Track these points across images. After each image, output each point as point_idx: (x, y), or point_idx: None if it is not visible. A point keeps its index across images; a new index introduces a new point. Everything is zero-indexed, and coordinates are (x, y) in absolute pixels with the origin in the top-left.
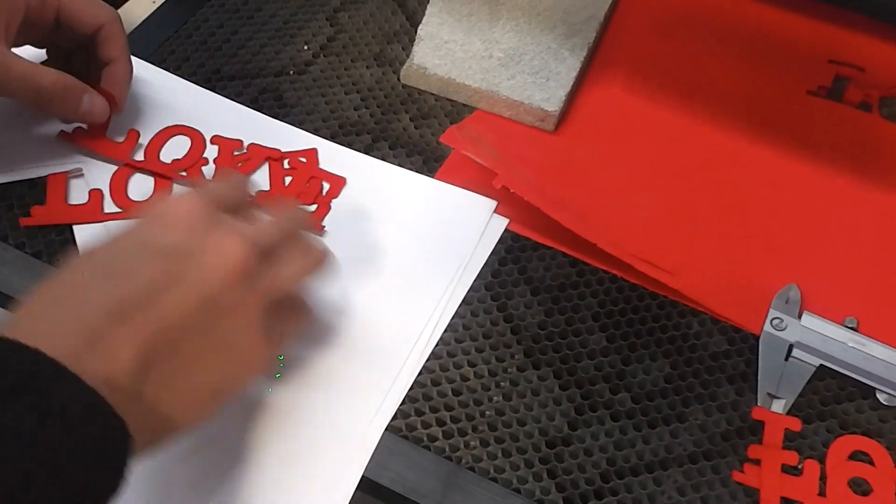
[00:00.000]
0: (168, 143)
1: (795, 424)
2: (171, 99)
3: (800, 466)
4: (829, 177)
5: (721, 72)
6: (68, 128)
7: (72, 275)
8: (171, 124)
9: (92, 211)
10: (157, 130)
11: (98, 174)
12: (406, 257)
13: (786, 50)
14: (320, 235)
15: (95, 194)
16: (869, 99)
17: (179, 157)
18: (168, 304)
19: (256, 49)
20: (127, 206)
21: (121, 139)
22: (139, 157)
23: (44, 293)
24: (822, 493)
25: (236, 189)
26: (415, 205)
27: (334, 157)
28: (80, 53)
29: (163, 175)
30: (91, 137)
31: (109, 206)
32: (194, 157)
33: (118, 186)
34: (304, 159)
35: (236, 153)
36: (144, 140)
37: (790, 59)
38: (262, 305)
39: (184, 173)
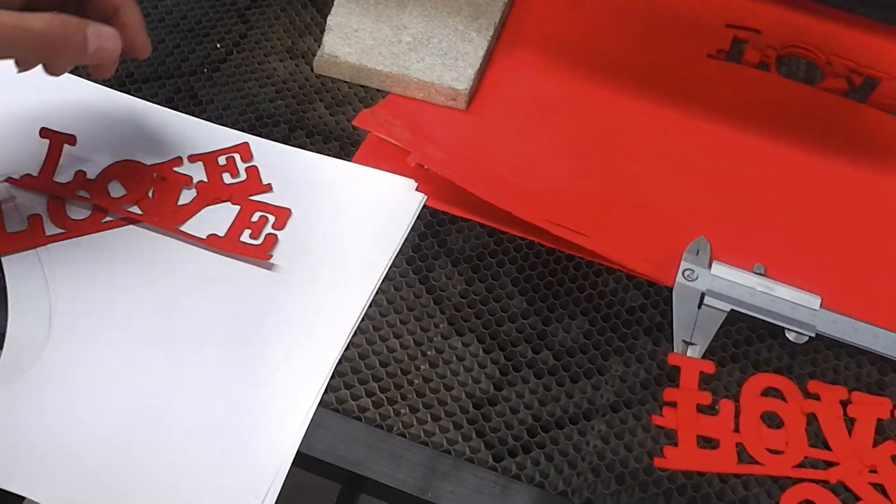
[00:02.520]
0: (112, 181)
1: (709, 367)
2: (92, 110)
3: (716, 407)
4: (732, 133)
5: (624, 42)
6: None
7: None
8: (112, 156)
9: (34, 235)
10: (102, 166)
11: (35, 199)
12: (332, 241)
13: (685, 17)
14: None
15: (35, 220)
16: (766, 59)
17: (123, 193)
18: None
19: (170, 50)
20: (69, 226)
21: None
22: (84, 193)
23: None
24: (736, 430)
25: None
26: (338, 190)
27: (260, 150)
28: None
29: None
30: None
31: (50, 229)
32: (140, 193)
33: (56, 208)
34: (237, 154)
35: (176, 169)
36: (91, 173)
37: (690, 25)
38: None
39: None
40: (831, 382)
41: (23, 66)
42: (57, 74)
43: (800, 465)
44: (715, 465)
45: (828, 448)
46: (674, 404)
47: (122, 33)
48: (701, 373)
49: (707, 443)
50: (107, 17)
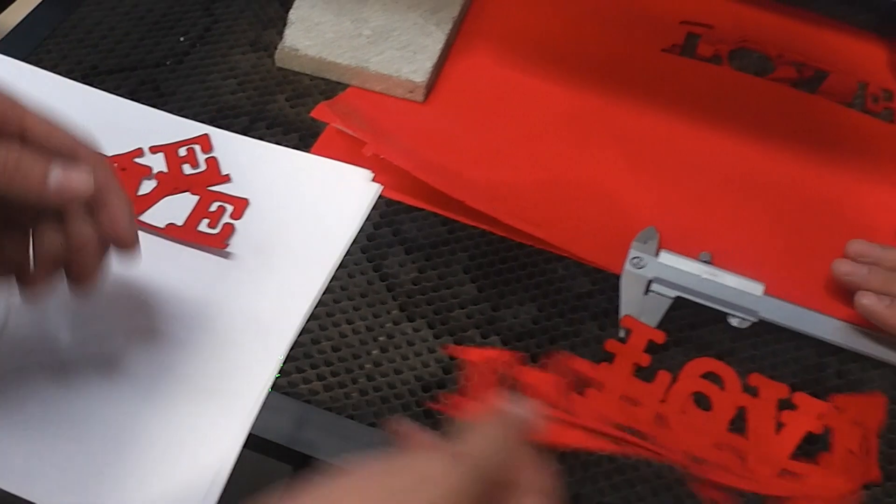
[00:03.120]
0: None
1: (660, 337)
2: (50, 100)
3: (653, 375)
4: (684, 126)
5: (580, 37)
6: None
7: None
8: None
9: None
10: None
11: None
12: (288, 230)
13: (640, 13)
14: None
15: None
16: (719, 52)
17: None
18: None
19: (135, 43)
20: None
21: None
22: None
23: None
24: (663, 400)
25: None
26: (295, 180)
27: (220, 141)
28: None
29: None
30: None
31: None
32: None
33: None
34: (198, 146)
35: (136, 160)
36: None
37: (645, 21)
38: None
39: None
40: (771, 366)
41: None
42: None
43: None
44: (627, 419)
45: (744, 436)
46: (611, 358)
47: (106, 220)
48: (650, 341)
49: (629, 402)
50: (91, 202)
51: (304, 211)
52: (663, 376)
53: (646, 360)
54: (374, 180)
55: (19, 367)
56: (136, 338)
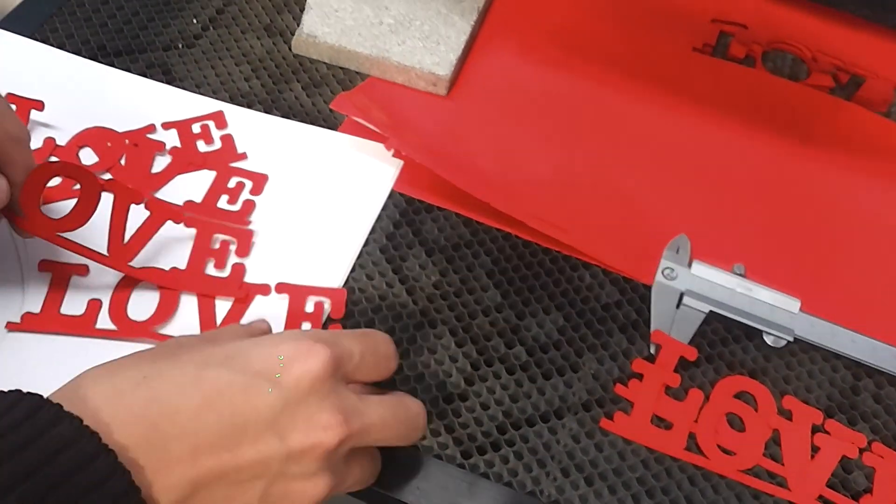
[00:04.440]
0: (83, 148)
1: (692, 353)
2: (60, 77)
3: (684, 393)
4: (716, 129)
5: (609, 33)
6: None
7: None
8: (82, 123)
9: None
10: (72, 133)
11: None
12: (312, 208)
13: (671, 10)
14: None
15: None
16: (752, 54)
17: (95, 161)
18: (247, 458)
19: (143, 23)
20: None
21: (34, 144)
22: (54, 160)
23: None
24: (696, 420)
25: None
26: (315, 156)
27: (235, 118)
28: None
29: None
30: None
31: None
32: (111, 160)
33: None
34: (212, 122)
35: (149, 136)
36: (61, 139)
37: (676, 19)
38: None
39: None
40: (806, 388)
41: None
42: None
43: (748, 472)
44: (660, 444)
45: (781, 464)
46: (640, 377)
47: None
48: (681, 358)
49: (661, 422)
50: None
51: (327, 187)
52: (695, 395)
53: (676, 379)
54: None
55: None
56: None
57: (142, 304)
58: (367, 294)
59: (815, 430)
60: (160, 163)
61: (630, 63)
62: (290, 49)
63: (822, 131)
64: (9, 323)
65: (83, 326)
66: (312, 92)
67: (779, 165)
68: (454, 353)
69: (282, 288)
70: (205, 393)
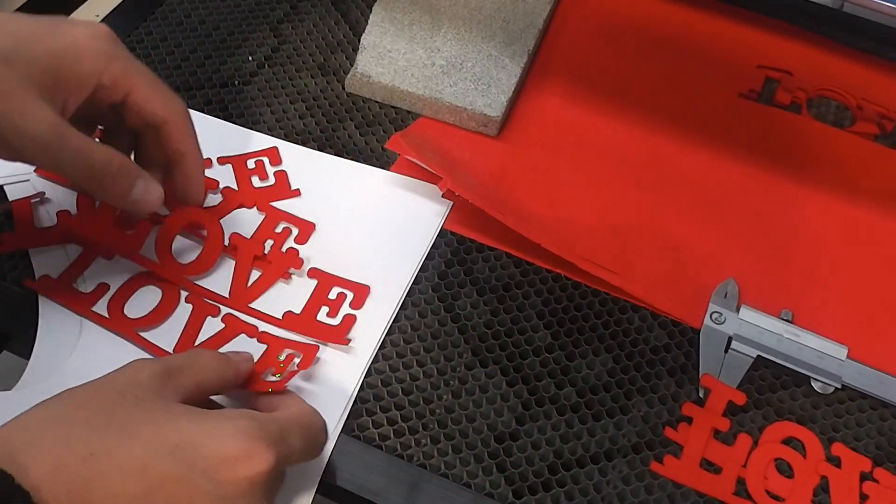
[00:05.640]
0: None
1: (740, 398)
2: None
3: (733, 438)
4: (762, 175)
5: (656, 77)
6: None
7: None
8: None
9: (62, 231)
10: None
11: (63, 197)
12: (357, 251)
13: (717, 56)
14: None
15: (63, 215)
16: (798, 100)
17: None
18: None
19: (201, 61)
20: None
21: None
22: None
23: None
24: (744, 465)
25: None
26: (368, 195)
27: (289, 155)
28: (146, 140)
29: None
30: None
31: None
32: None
33: (85, 204)
34: (266, 158)
35: (206, 170)
36: None
37: (721, 64)
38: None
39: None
40: (854, 436)
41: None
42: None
43: None
44: (710, 488)
45: None
46: (689, 420)
47: (180, 181)
48: (729, 402)
49: (709, 466)
50: (170, 161)
51: (378, 224)
52: (744, 440)
53: (725, 423)
54: (446, 217)
55: None
56: None
57: (142, 304)
58: (419, 332)
59: (864, 477)
60: (212, 199)
61: (676, 108)
62: (343, 88)
63: (868, 179)
64: (26, 279)
65: (82, 305)
66: (365, 130)
67: (824, 213)
68: (505, 392)
69: (313, 273)
70: (148, 483)
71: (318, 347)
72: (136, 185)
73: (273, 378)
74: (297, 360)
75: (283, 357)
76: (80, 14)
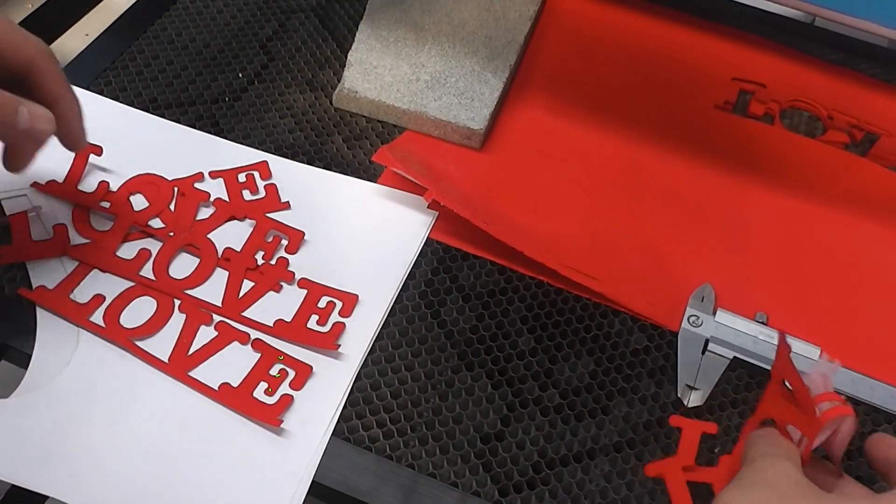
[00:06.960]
0: (134, 194)
1: (712, 428)
2: (118, 125)
3: (716, 458)
4: (737, 183)
5: (634, 90)
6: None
7: None
8: (135, 169)
9: (58, 244)
10: (125, 178)
11: (60, 210)
12: (346, 263)
13: (693, 69)
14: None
15: (60, 229)
16: (771, 111)
17: (144, 206)
18: None
19: (192, 78)
20: (93, 237)
21: (88, 187)
22: (105, 204)
23: None
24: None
25: None
26: (356, 207)
27: (279, 169)
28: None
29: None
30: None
31: (75, 238)
32: (160, 206)
33: (81, 217)
34: (257, 172)
35: (196, 185)
36: (114, 185)
37: (698, 77)
38: None
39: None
40: None
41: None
42: None
43: None
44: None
45: None
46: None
47: (60, 126)
48: (703, 433)
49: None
50: (46, 104)
51: (366, 235)
52: (725, 460)
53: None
54: (431, 227)
55: (78, 405)
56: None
57: (137, 313)
58: (407, 338)
59: None
60: (204, 212)
61: (654, 119)
62: (331, 103)
63: (838, 186)
64: (22, 289)
65: (78, 315)
66: (353, 144)
67: (797, 218)
68: (490, 395)
69: (303, 283)
70: None
71: (312, 369)
72: (19, 111)
73: (269, 401)
74: (289, 379)
75: (276, 373)
76: (71, 33)
